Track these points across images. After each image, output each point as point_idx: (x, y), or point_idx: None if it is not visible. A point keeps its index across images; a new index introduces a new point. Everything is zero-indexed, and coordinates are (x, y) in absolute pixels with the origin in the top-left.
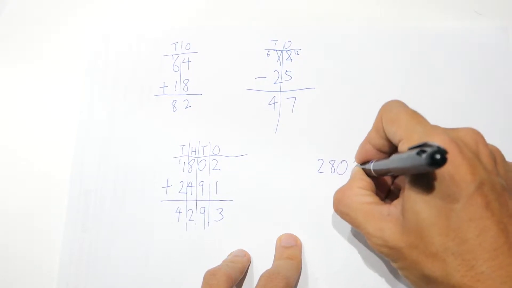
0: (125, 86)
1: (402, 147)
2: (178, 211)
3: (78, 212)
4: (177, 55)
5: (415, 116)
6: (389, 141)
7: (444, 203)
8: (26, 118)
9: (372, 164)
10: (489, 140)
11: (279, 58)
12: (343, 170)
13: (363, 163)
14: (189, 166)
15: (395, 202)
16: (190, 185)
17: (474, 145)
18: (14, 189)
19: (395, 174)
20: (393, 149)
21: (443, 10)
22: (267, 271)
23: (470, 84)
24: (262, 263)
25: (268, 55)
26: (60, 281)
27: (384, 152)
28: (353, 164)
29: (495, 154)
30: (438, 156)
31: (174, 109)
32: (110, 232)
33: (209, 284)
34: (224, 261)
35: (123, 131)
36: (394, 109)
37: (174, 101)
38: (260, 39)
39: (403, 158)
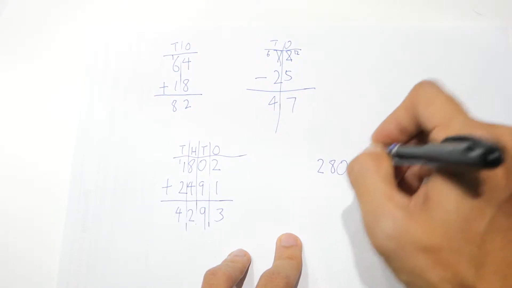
0: (125, 86)
1: (437, 134)
2: (178, 211)
3: (78, 212)
4: (177, 55)
5: (455, 102)
6: (417, 124)
7: (478, 206)
8: (26, 118)
9: (396, 147)
10: None
11: (279, 58)
12: (343, 170)
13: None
14: (189, 166)
15: (415, 197)
16: (190, 185)
17: None
18: (14, 189)
19: (424, 164)
20: (418, 133)
21: (443, 10)
22: (267, 270)
23: (470, 84)
24: (262, 263)
25: (268, 55)
26: (60, 281)
27: (407, 136)
28: None
29: None
30: (493, 157)
31: (174, 109)
32: (110, 232)
33: (209, 283)
34: (224, 261)
35: (123, 131)
36: (430, 89)
37: (174, 101)
38: (260, 39)
39: (445, 150)
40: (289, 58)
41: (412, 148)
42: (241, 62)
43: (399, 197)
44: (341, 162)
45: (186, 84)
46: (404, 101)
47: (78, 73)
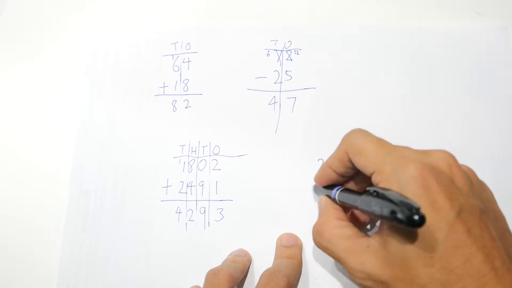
0: (125, 86)
1: (375, 179)
2: (178, 211)
3: (78, 212)
4: (177, 55)
5: (382, 145)
6: (353, 168)
7: (426, 232)
8: (26, 118)
9: (337, 194)
10: (489, 140)
11: (279, 58)
12: None
13: (326, 187)
14: (189, 166)
15: (375, 234)
16: (190, 185)
17: (448, 169)
18: (14, 189)
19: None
20: (356, 174)
21: (443, 10)
22: (267, 270)
23: (470, 84)
24: (262, 262)
25: (268, 55)
26: (60, 281)
27: (346, 177)
28: None
29: (469, 175)
30: (416, 218)
31: (174, 109)
32: (110, 232)
33: (212, 283)
34: (225, 261)
35: (123, 131)
36: (358, 140)
37: (174, 101)
38: (260, 39)
39: (377, 210)
40: (289, 58)
41: (350, 198)
42: (241, 62)
43: (358, 243)
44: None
45: (186, 84)
46: (336, 151)
47: (78, 73)
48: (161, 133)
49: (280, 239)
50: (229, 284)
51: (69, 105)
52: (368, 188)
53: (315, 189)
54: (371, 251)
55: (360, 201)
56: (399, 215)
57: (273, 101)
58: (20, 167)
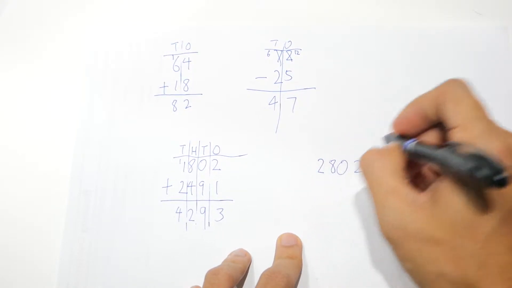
0: (125, 86)
1: (455, 134)
2: (178, 211)
3: (78, 212)
4: (177, 55)
5: (479, 107)
6: (438, 117)
7: (486, 208)
8: (26, 118)
9: (412, 144)
10: None
11: (279, 58)
12: (343, 170)
13: (399, 138)
14: (189, 166)
15: (424, 192)
16: (190, 185)
17: None
18: (14, 189)
19: (436, 167)
20: (435, 125)
21: (443, 10)
22: (267, 270)
23: (470, 84)
24: (262, 262)
25: (268, 55)
26: (60, 281)
27: (427, 124)
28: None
29: None
30: (498, 178)
31: (174, 109)
32: (110, 232)
33: (211, 283)
34: (225, 261)
35: (123, 131)
36: (461, 89)
37: (174, 101)
38: (260, 39)
39: (457, 163)
40: (289, 58)
41: (427, 150)
42: (241, 62)
43: (406, 191)
44: (341, 162)
45: (186, 84)
46: (431, 91)
47: (78, 73)
48: (161, 133)
49: (280, 239)
50: (229, 284)
51: (69, 105)
52: (449, 142)
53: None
54: (416, 205)
55: (439, 153)
56: (482, 172)
57: (273, 101)
58: (20, 167)
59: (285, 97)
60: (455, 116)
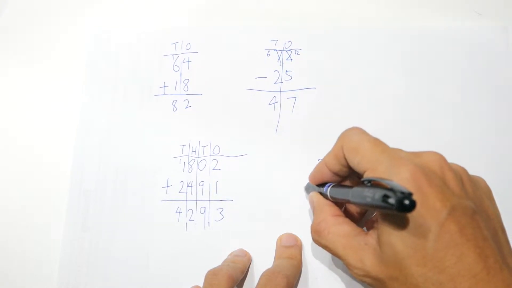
0: (125, 86)
1: (367, 177)
2: (178, 211)
3: (78, 211)
4: (177, 55)
5: (378, 144)
6: (348, 167)
7: (418, 233)
8: (26, 118)
9: (329, 189)
10: (490, 140)
11: (279, 58)
12: None
13: (318, 185)
14: (189, 166)
15: (371, 232)
16: (190, 185)
17: (440, 170)
18: (14, 189)
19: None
20: (351, 173)
21: (443, 10)
22: (267, 270)
23: (470, 84)
24: (262, 263)
25: (268, 55)
26: (60, 281)
27: (340, 176)
28: None
29: (461, 175)
30: (407, 202)
31: (174, 109)
32: (110, 232)
33: (211, 284)
34: (225, 261)
35: (123, 131)
36: (355, 137)
37: (174, 101)
38: (260, 39)
39: (369, 196)
40: (289, 58)
41: (342, 191)
42: (241, 62)
43: (356, 241)
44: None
45: (186, 84)
46: (332, 150)
47: (78, 73)
48: (161, 133)
49: (280, 239)
50: (229, 284)
51: (69, 105)
52: (363, 179)
53: (307, 188)
54: (369, 249)
55: (352, 193)
56: (391, 200)
57: (273, 101)
58: (21, 167)
59: (285, 97)
60: (359, 164)
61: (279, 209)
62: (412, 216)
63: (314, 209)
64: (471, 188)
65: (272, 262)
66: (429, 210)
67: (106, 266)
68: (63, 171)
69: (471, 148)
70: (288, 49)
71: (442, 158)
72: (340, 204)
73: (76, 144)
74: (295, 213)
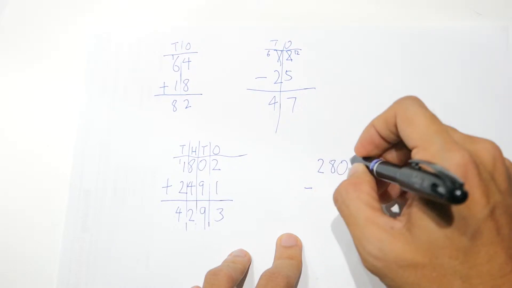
0: (125, 86)
1: (416, 155)
2: (178, 211)
3: (78, 212)
4: (177, 55)
5: (434, 122)
6: (397, 135)
7: (458, 225)
8: (26, 119)
9: (375, 165)
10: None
11: (279, 58)
12: (343, 170)
13: (365, 158)
14: (189, 166)
15: (400, 217)
16: (190, 185)
17: (491, 162)
18: (14, 189)
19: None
20: (399, 141)
21: (443, 10)
22: (267, 270)
23: (470, 84)
24: (262, 263)
25: (268, 55)
26: (60, 281)
27: (389, 142)
28: None
29: (510, 171)
30: (458, 193)
31: (174, 109)
32: (110, 232)
33: (211, 284)
34: (225, 261)
35: (123, 131)
36: (411, 107)
37: (174, 101)
38: (260, 39)
39: (417, 182)
40: (289, 58)
41: (390, 170)
42: (241, 62)
43: (382, 220)
44: (341, 162)
45: (186, 84)
46: (384, 113)
47: (78, 73)
48: (161, 133)
49: (280, 239)
50: (229, 284)
51: (69, 105)
52: (410, 161)
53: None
54: (394, 233)
55: (400, 173)
56: (441, 189)
57: (273, 101)
58: (21, 167)
59: (285, 97)
60: (410, 137)
61: (279, 209)
62: (455, 206)
63: (352, 174)
64: None
65: (272, 263)
66: (473, 204)
67: (106, 266)
68: (63, 171)
69: None
70: (288, 49)
71: (497, 150)
72: (381, 185)
73: (76, 144)
74: (295, 213)
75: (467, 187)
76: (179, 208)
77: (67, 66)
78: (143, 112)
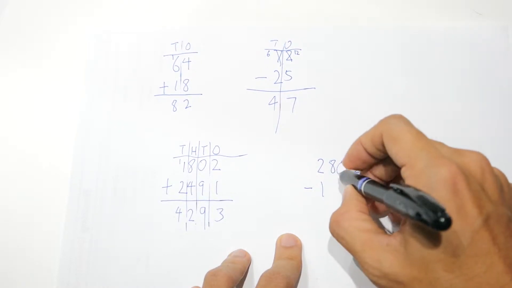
0: (125, 86)
1: (405, 173)
2: (178, 211)
3: (78, 212)
4: (177, 55)
5: (420, 138)
6: (384, 152)
7: (451, 238)
8: (26, 118)
9: (363, 185)
10: (489, 140)
11: (279, 58)
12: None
13: (353, 179)
14: (189, 166)
15: (396, 233)
16: (190, 185)
17: (480, 173)
18: (14, 189)
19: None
20: (386, 157)
21: (443, 10)
22: (267, 271)
23: (470, 84)
24: (262, 263)
25: (268, 55)
26: (60, 281)
27: (376, 158)
28: None
29: (501, 180)
30: (442, 220)
31: (174, 109)
32: (110, 232)
33: (211, 284)
34: (224, 262)
35: (123, 131)
36: (396, 126)
37: (174, 101)
38: (260, 39)
39: (402, 209)
40: (289, 58)
41: (376, 191)
42: (241, 62)
43: (377, 240)
44: (341, 162)
45: (186, 84)
46: (370, 131)
47: (78, 73)
48: (161, 133)
49: (280, 239)
50: (228, 285)
51: (69, 105)
52: (391, 185)
53: (342, 176)
54: (390, 250)
55: (386, 196)
56: (424, 217)
57: (273, 101)
58: (21, 167)
59: (285, 97)
60: (398, 155)
61: (279, 209)
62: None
63: (343, 201)
64: (509, 194)
65: (272, 263)
66: (464, 216)
67: (106, 266)
68: (63, 171)
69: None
70: (288, 49)
71: (485, 160)
72: (370, 200)
73: (76, 144)
74: (295, 213)
75: (456, 199)
76: (179, 208)
77: (67, 66)
78: (143, 112)
